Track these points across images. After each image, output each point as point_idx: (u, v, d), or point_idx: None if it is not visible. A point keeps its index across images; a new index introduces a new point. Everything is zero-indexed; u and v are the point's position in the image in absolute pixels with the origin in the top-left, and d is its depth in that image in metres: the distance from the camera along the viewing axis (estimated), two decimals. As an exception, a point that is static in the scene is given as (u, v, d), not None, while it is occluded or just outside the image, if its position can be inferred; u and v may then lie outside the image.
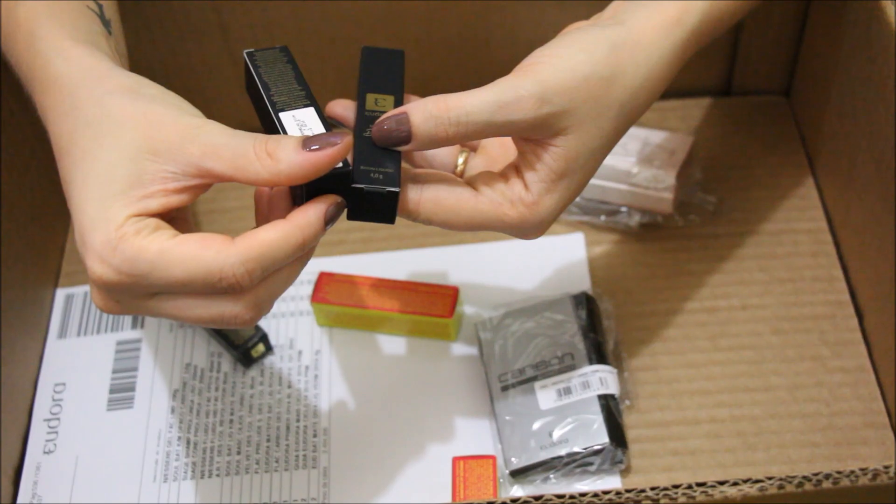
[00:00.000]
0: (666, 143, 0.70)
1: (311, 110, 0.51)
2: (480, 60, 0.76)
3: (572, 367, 0.62)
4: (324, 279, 0.67)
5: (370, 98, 0.54)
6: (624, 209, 0.70)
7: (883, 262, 0.63)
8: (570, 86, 0.50)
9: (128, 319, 0.71)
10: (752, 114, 0.78)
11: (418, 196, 0.51)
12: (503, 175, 0.52)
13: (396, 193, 0.49)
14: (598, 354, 0.63)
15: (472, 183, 0.52)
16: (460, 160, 0.56)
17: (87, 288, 0.73)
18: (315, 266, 0.71)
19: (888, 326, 0.63)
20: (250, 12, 0.73)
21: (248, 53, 0.53)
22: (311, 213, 0.48)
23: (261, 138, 0.47)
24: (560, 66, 0.50)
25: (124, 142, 0.47)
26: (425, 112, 0.49)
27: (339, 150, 0.46)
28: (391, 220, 0.51)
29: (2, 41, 0.55)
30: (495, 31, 0.75)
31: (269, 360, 0.68)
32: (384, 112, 0.51)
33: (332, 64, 0.76)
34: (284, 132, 0.49)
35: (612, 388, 0.62)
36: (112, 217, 0.46)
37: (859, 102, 0.65)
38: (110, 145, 0.47)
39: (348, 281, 0.67)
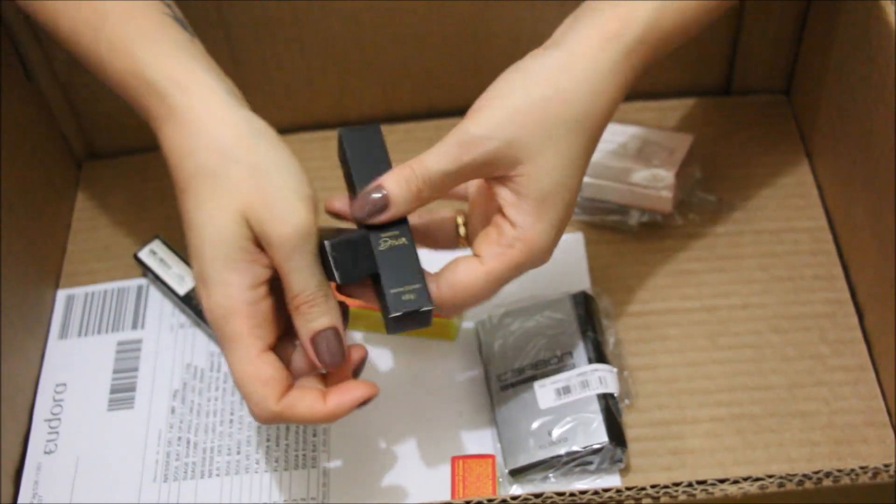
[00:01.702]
0: (665, 142, 0.70)
1: None
2: (480, 58, 0.77)
3: (571, 367, 0.62)
4: (323, 279, 0.67)
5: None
6: (624, 208, 0.70)
7: (883, 261, 0.63)
8: (509, 116, 0.53)
9: (128, 319, 0.71)
10: (751, 113, 0.78)
11: (437, 292, 0.54)
12: (494, 224, 0.55)
13: (431, 311, 0.53)
14: (598, 353, 0.63)
15: (475, 249, 0.55)
16: (459, 221, 0.59)
17: (87, 288, 0.73)
18: (315, 266, 0.71)
19: (888, 325, 0.63)
20: (252, 11, 0.73)
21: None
22: (346, 404, 0.54)
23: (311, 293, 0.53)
24: (498, 103, 0.54)
25: (240, 203, 0.52)
26: (397, 178, 0.53)
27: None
28: (428, 325, 0.54)
29: (92, 57, 0.57)
30: (495, 28, 0.75)
31: (269, 359, 0.68)
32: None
33: (332, 63, 0.76)
34: None
35: (612, 387, 0.62)
36: (225, 280, 0.52)
37: (859, 101, 0.65)
38: (229, 200, 0.52)
39: (348, 281, 0.67)
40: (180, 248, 0.72)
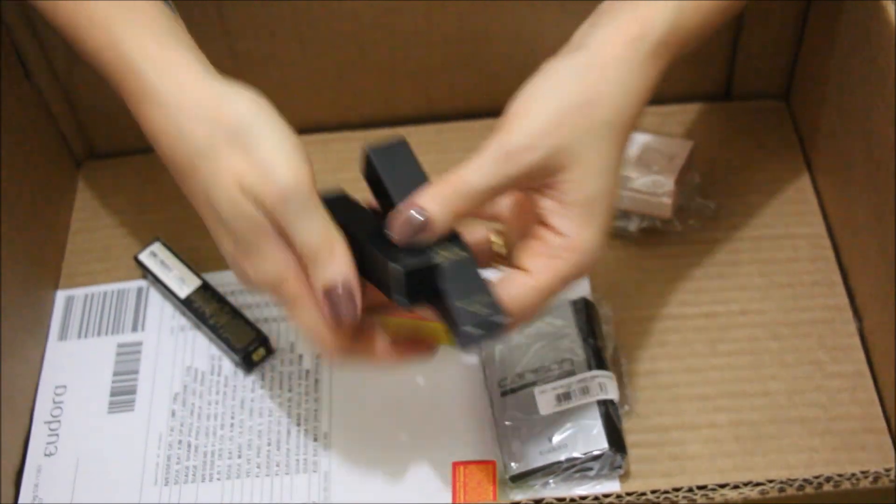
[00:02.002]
0: (665, 148, 0.70)
1: None
2: (480, 57, 0.77)
3: (571, 373, 0.62)
4: (324, 283, 0.67)
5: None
6: (623, 214, 0.70)
7: (882, 267, 0.63)
8: (550, 123, 0.52)
9: (128, 321, 0.71)
10: (751, 118, 0.78)
11: None
12: (535, 236, 0.53)
13: (503, 324, 0.51)
14: (598, 360, 0.63)
15: (519, 264, 0.53)
16: (494, 239, 0.58)
17: (87, 290, 0.73)
18: (316, 270, 0.71)
19: (887, 331, 0.63)
20: (252, 10, 0.73)
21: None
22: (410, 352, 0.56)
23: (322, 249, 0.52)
24: (536, 109, 0.52)
25: (233, 184, 0.52)
26: (436, 197, 0.52)
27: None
28: (500, 339, 0.54)
29: (70, 29, 0.56)
30: (495, 26, 0.75)
31: (269, 364, 0.68)
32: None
33: (332, 63, 0.76)
34: None
35: (612, 393, 0.62)
36: (265, 249, 0.52)
37: (859, 103, 0.65)
38: (227, 182, 0.52)
39: (349, 285, 0.67)
40: (181, 250, 0.73)
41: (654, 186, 0.69)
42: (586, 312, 0.65)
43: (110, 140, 0.80)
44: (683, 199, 0.71)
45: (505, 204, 0.57)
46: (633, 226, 0.70)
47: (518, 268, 0.53)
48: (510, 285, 0.52)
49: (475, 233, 0.57)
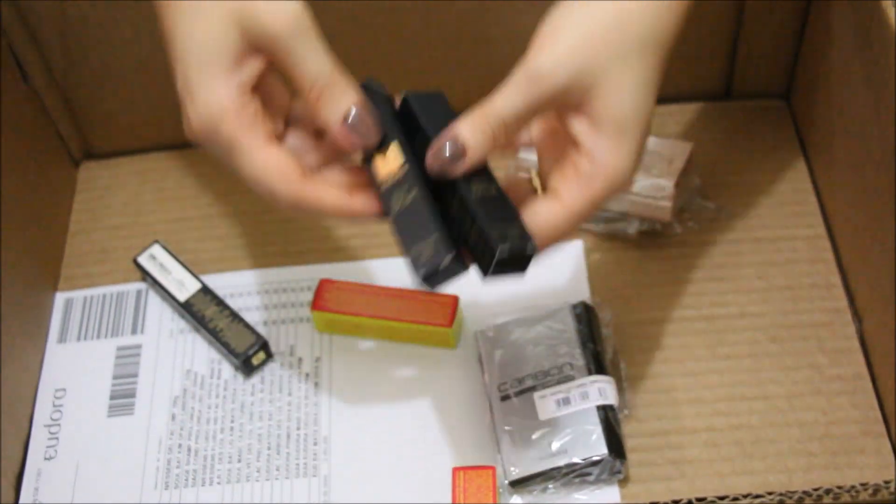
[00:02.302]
0: (665, 151, 0.70)
1: None
2: (479, 56, 0.76)
3: (571, 378, 0.62)
4: (324, 287, 0.68)
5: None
6: (623, 217, 0.70)
7: (882, 270, 0.63)
8: (577, 42, 0.51)
9: (128, 324, 0.71)
10: (751, 118, 0.78)
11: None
12: (569, 161, 0.52)
13: (532, 255, 0.50)
14: (597, 365, 0.63)
15: (551, 188, 0.52)
16: (533, 174, 0.56)
17: (86, 292, 0.73)
18: (315, 273, 0.71)
19: (886, 334, 0.63)
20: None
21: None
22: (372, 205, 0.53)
23: (330, 73, 0.51)
24: (563, 31, 0.51)
25: (220, 16, 0.51)
26: (470, 125, 0.51)
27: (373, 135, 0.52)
28: (525, 272, 0.51)
29: None
30: (494, 27, 0.74)
31: (269, 367, 0.68)
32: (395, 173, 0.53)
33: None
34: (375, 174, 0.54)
35: (611, 398, 0.62)
36: (211, 85, 0.51)
37: (859, 104, 0.65)
38: (209, 13, 0.51)
39: (348, 289, 0.67)
40: (180, 252, 0.72)
41: (654, 190, 0.68)
42: (585, 317, 0.65)
43: (108, 141, 0.80)
44: (683, 201, 0.71)
45: (539, 130, 0.56)
46: (632, 229, 0.70)
47: (549, 193, 0.52)
48: (539, 212, 0.52)
49: (516, 176, 0.56)
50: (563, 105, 0.52)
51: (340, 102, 0.52)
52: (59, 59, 0.74)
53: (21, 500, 0.64)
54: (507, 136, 0.52)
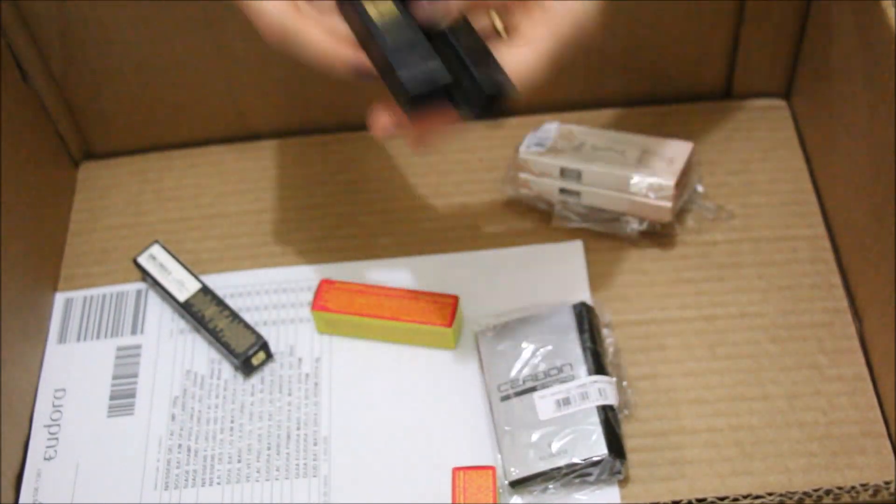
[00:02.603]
0: (665, 151, 0.70)
1: None
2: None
3: (571, 378, 0.62)
4: (324, 287, 0.68)
5: (369, 7, 0.54)
6: (623, 217, 0.70)
7: (882, 270, 0.63)
8: None
9: (128, 324, 0.71)
10: (751, 118, 0.78)
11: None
12: (536, 4, 0.53)
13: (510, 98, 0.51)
14: (597, 365, 0.63)
15: (517, 33, 0.53)
16: (494, 16, 0.56)
17: (86, 292, 0.73)
18: (315, 273, 0.71)
19: (887, 334, 0.63)
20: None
21: None
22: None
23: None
24: None
25: None
26: None
27: None
28: (506, 115, 0.52)
29: None
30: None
31: (269, 367, 0.68)
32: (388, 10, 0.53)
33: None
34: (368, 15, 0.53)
35: (611, 398, 0.62)
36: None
37: (859, 105, 0.65)
38: None
39: (348, 289, 0.67)
40: (179, 252, 0.72)
41: (654, 190, 0.68)
42: (586, 317, 0.65)
43: (108, 141, 0.79)
44: (683, 202, 0.71)
45: None
46: (632, 228, 0.70)
47: (516, 36, 0.53)
48: (507, 59, 0.52)
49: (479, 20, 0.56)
50: None
51: None
52: (59, 59, 0.74)
53: (21, 501, 0.64)
54: None
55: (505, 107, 0.52)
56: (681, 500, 0.50)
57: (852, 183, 0.68)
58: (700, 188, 0.72)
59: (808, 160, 0.75)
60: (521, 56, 0.52)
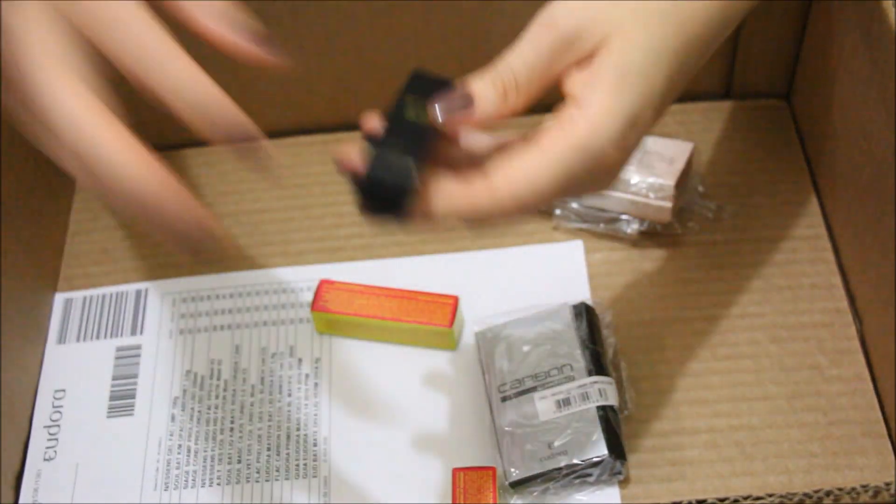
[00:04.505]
0: (665, 151, 0.70)
1: None
2: (479, 56, 0.75)
3: (571, 379, 0.62)
4: (324, 287, 0.68)
5: (409, 100, 0.50)
6: (623, 217, 0.70)
7: (882, 270, 0.63)
8: None
9: (127, 324, 0.71)
10: (751, 118, 0.78)
11: (490, 183, 0.47)
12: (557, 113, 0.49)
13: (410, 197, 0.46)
14: (597, 366, 0.63)
15: (531, 139, 0.48)
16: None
17: (86, 292, 0.72)
18: (315, 273, 0.71)
19: (887, 335, 0.63)
20: (251, 10, 0.72)
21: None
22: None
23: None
24: None
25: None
26: (481, 78, 0.49)
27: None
28: (403, 221, 0.47)
29: None
30: (494, 26, 0.74)
31: (268, 367, 0.68)
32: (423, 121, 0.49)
33: (330, 63, 0.76)
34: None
35: (611, 399, 0.62)
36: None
37: (860, 105, 0.65)
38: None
39: (348, 289, 0.67)
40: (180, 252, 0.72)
41: (655, 190, 0.68)
42: (586, 317, 0.65)
43: (108, 141, 0.79)
44: (683, 202, 0.71)
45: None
46: (632, 228, 0.70)
47: (529, 141, 0.48)
48: (513, 155, 0.48)
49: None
50: (575, 54, 0.48)
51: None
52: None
53: (20, 501, 0.64)
54: (518, 96, 0.49)
55: (403, 203, 0.46)
56: (681, 501, 0.50)
57: (852, 183, 0.68)
58: (700, 188, 0.72)
59: (808, 160, 0.75)
60: (525, 152, 0.48)
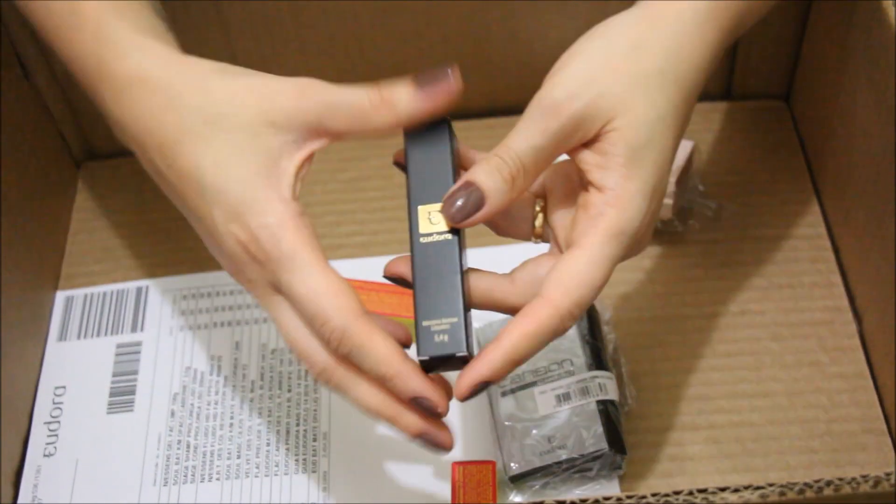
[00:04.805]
0: (666, 149, 0.70)
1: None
2: (479, 57, 0.77)
3: (571, 373, 0.62)
4: (324, 283, 0.67)
5: (423, 214, 0.50)
6: (623, 214, 0.70)
7: (882, 268, 0.63)
8: (593, 72, 0.48)
9: (128, 321, 0.71)
10: (751, 118, 0.78)
11: (553, 300, 0.48)
12: (580, 206, 0.49)
13: (467, 356, 0.47)
14: (597, 360, 0.63)
15: (569, 242, 0.49)
16: (538, 208, 0.53)
17: (86, 290, 0.73)
18: (315, 270, 0.71)
19: (887, 332, 0.63)
20: (252, 10, 0.73)
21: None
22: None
23: (373, 88, 0.48)
24: (579, 61, 0.49)
25: (242, 120, 0.48)
26: (486, 169, 0.48)
27: (454, 80, 0.49)
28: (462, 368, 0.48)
29: (58, 37, 0.54)
30: (494, 27, 0.75)
31: (268, 363, 0.68)
32: (440, 233, 0.49)
33: (331, 62, 0.76)
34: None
35: (611, 393, 0.62)
36: (262, 198, 0.48)
37: (859, 105, 0.65)
38: (230, 126, 0.48)
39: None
40: (180, 250, 0.73)
41: (654, 187, 0.68)
42: (586, 313, 0.65)
43: (110, 141, 0.79)
44: (684, 200, 0.71)
45: (546, 174, 0.52)
46: (632, 226, 0.70)
47: (569, 246, 0.49)
48: (561, 267, 0.48)
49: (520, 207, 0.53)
50: (580, 138, 0.49)
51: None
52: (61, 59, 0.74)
53: (20, 497, 0.64)
54: (525, 179, 0.49)
55: (455, 365, 0.47)
56: (681, 490, 0.49)
57: (852, 183, 0.68)
58: (700, 187, 0.72)
59: (808, 160, 0.75)
60: (571, 261, 0.48)
